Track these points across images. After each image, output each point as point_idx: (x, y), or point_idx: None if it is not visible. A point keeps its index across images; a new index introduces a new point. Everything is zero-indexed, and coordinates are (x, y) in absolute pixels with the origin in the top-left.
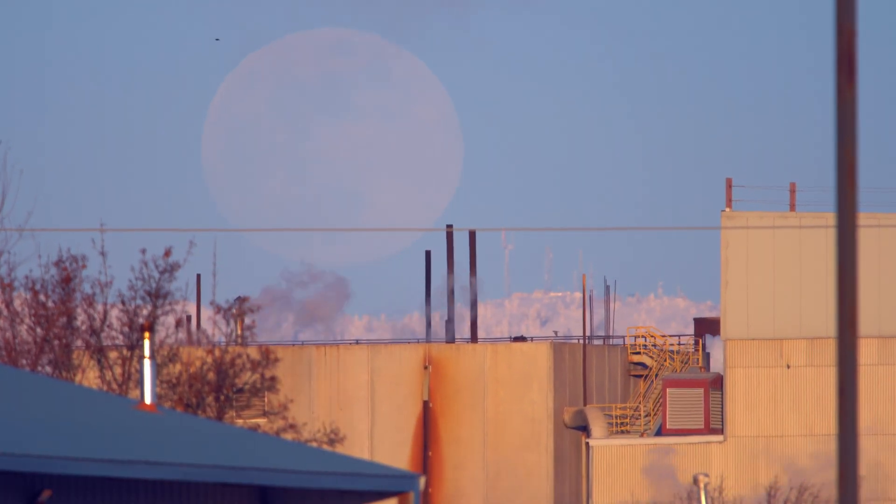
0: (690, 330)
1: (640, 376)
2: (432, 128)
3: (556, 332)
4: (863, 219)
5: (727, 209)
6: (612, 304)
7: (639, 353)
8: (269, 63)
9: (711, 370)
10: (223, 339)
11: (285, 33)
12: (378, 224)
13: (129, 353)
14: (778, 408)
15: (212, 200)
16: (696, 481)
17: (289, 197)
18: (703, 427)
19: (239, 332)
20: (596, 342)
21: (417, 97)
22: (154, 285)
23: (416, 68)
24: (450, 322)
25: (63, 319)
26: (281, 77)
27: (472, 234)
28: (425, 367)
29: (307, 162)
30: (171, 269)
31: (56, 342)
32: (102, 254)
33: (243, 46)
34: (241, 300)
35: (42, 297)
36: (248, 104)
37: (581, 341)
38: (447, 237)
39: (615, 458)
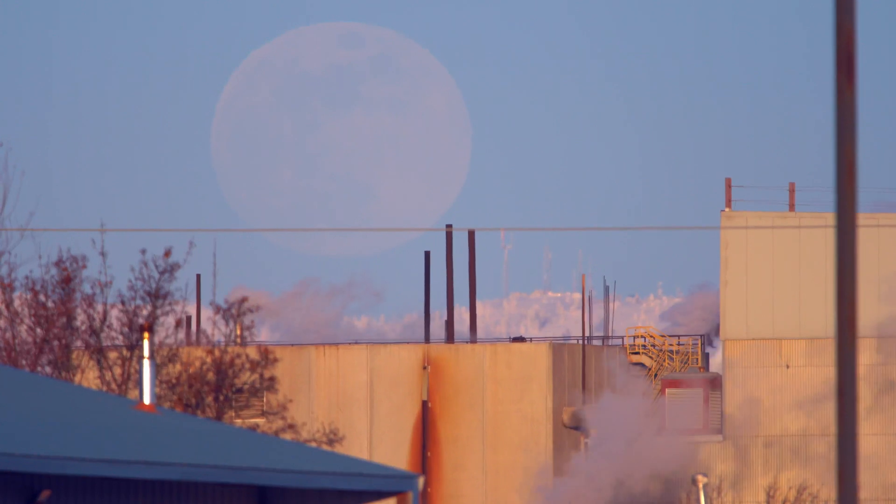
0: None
1: None
2: (442, 125)
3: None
4: (862, 219)
5: (727, 209)
6: (611, 305)
7: (638, 353)
8: (277, 58)
9: (710, 370)
10: (222, 339)
11: (291, 28)
12: (383, 219)
13: (128, 354)
14: (777, 408)
15: (222, 196)
16: (694, 482)
17: (298, 191)
18: (702, 427)
19: (238, 332)
20: (595, 342)
21: (428, 93)
22: (154, 285)
23: (427, 63)
24: (449, 322)
25: (63, 320)
26: (289, 71)
27: (472, 234)
28: (424, 368)
29: (317, 157)
30: (170, 270)
31: (56, 342)
32: (102, 254)
33: (249, 42)
34: (240, 300)
35: (42, 298)
36: (256, 99)
37: (580, 342)
38: (446, 237)
39: None
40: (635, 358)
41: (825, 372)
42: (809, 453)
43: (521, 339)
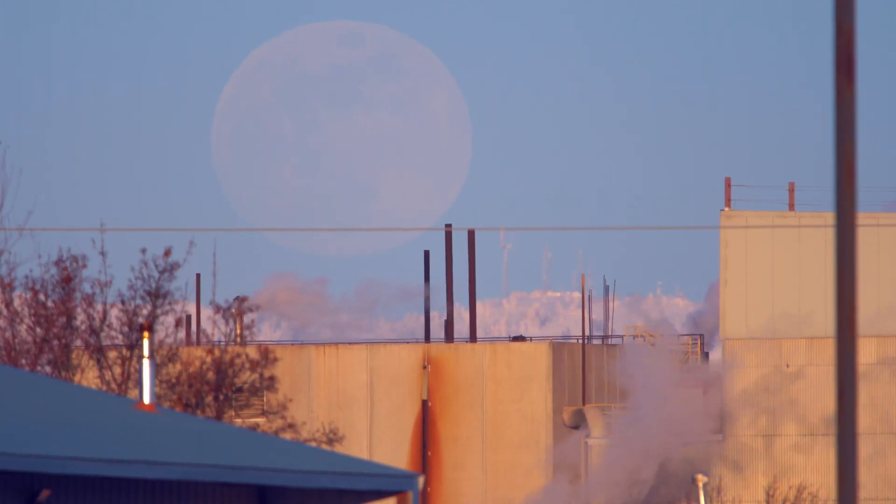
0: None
1: None
2: (442, 124)
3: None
4: (862, 218)
5: (726, 208)
6: (611, 304)
7: None
8: (277, 58)
9: (710, 370)
10: (222, 338)
11: (291, 28)
12: (383, 219)
13: (128, 353)
14: (777, 407)
15: (223, 196)
16: (694, 481)
17: (298, 191)
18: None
19: (238, 331)
20: (595, 342)
21: (429, 92)
22: (154, 285)
23: (427, 63)
24: (449, 322)
25: (63, 319)
26: (289, 71)
27: (472, 234)
28: (424, 367)
29: (318, 157)
30: (170, 269)
31: (56, 342)
32: (102, 254)
33: (249, 42)
34: (240, 300)
35: (42, 297)
36: (257, 99)
37: (580, 341)
38: (446, 237)
39: None
40: None
41: (825, 371)
42: (809, 453)
43: (520, 339)
